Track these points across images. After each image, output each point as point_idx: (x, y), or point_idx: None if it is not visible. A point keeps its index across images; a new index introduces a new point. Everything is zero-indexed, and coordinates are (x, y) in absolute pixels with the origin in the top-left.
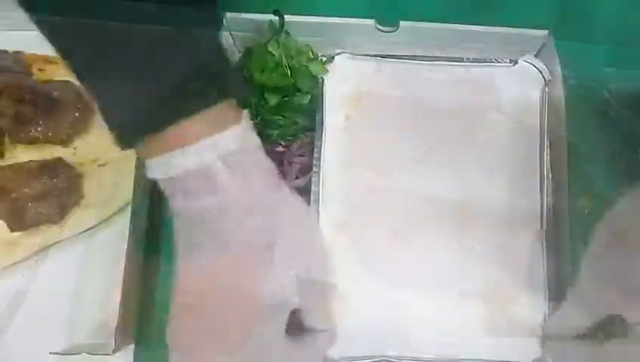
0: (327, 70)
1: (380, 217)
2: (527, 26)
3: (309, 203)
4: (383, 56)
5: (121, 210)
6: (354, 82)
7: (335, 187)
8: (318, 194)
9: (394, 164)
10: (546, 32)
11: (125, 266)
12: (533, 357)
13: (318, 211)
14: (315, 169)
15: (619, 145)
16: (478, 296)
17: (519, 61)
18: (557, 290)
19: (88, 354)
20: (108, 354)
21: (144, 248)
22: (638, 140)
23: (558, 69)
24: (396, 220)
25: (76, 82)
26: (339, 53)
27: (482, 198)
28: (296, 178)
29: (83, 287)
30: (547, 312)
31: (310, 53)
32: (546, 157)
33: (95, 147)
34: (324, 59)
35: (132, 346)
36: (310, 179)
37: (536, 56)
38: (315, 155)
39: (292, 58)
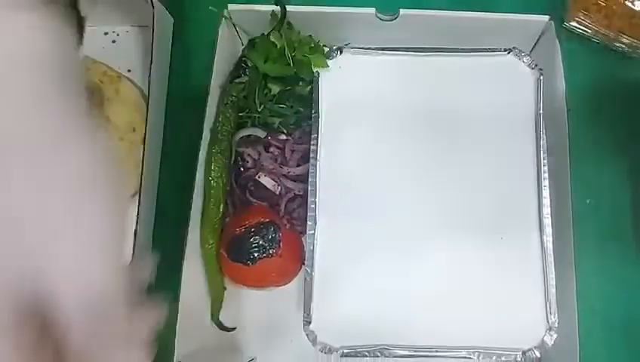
0: (327, 65)
1: (377, 209)
2: (528, 11)
3: (307, 192)
4: (381, 49)
5: (127, 200)
6: (351, 77)
7: (332, 180)
8: (315, 185)
9: (390, 157)
10: (547, 17)
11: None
12: (532, 345)
13: (316, 203)
14: (312, 162)
15: (623, 137)
16: (476, 291)
17: (512, 50)
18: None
19: None
20: None
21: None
22: None
23: (559, 56)
24: (394, 212)
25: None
26: (339, 47)
27: (477, 191)
28: (298, 165)
29: None
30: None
31: (312, 44)
32: (542, 148)
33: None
34: (327, 49)
35: None
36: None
37: (536, 43)
38: (312, 147)
39: (294, 49)
